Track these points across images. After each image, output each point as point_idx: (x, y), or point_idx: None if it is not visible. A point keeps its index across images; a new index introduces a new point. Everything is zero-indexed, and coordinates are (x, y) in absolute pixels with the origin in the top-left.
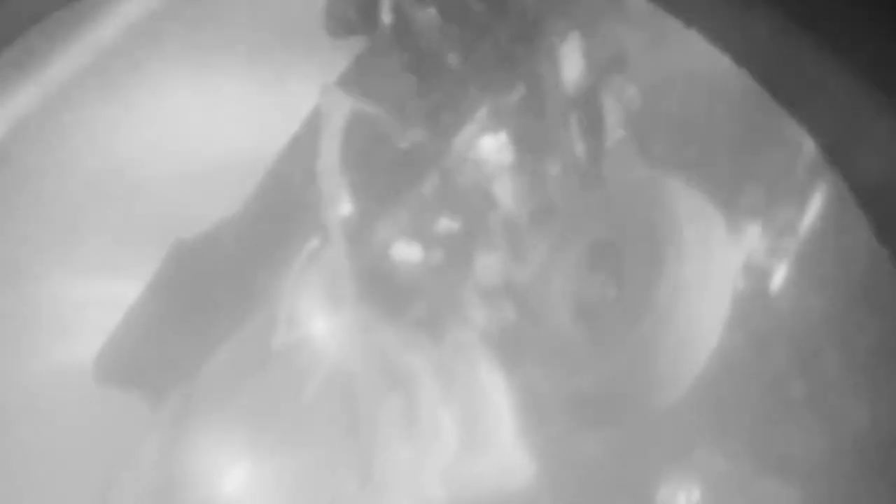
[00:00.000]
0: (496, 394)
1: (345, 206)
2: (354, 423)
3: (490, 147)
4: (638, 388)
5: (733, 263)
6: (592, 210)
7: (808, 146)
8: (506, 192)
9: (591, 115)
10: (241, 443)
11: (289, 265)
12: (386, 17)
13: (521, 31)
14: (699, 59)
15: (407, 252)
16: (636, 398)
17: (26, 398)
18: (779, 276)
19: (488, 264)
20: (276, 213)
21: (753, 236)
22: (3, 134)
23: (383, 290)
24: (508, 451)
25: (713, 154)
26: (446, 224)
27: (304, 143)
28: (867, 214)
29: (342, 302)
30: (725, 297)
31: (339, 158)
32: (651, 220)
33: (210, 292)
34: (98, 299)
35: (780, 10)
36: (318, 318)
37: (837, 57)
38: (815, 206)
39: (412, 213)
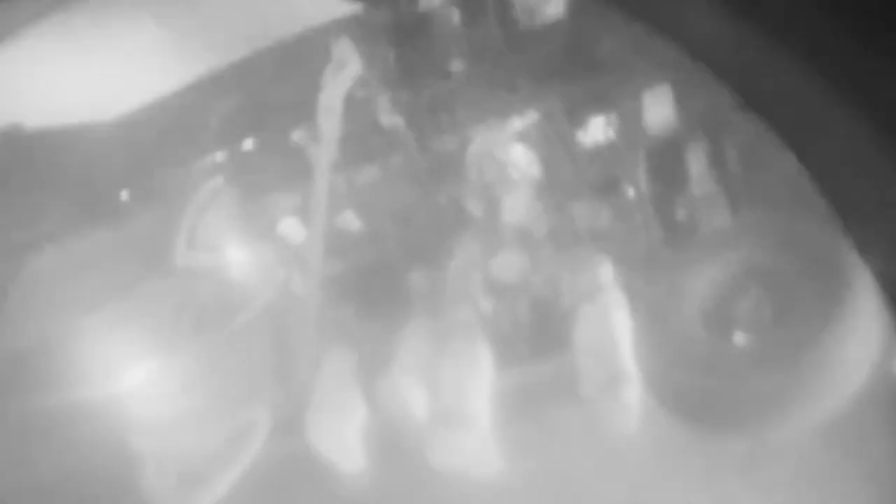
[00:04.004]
0: (485, 380)
1: (336, 150)
2: (283, 366)
3: (521, 155)
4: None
5: None
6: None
7: None
8: (520, 206)
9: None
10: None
11: (181, 200)
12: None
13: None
14: None
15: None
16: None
17: None
18: None
19: (504, 261)
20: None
21: None
22: None
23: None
24: (484, 442)
25: None
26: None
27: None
28: None
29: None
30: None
31: (341, 103)
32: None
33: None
34: None
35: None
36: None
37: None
38: None
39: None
